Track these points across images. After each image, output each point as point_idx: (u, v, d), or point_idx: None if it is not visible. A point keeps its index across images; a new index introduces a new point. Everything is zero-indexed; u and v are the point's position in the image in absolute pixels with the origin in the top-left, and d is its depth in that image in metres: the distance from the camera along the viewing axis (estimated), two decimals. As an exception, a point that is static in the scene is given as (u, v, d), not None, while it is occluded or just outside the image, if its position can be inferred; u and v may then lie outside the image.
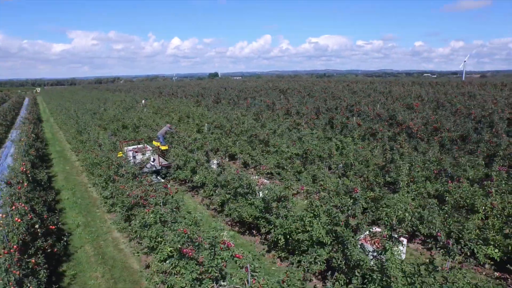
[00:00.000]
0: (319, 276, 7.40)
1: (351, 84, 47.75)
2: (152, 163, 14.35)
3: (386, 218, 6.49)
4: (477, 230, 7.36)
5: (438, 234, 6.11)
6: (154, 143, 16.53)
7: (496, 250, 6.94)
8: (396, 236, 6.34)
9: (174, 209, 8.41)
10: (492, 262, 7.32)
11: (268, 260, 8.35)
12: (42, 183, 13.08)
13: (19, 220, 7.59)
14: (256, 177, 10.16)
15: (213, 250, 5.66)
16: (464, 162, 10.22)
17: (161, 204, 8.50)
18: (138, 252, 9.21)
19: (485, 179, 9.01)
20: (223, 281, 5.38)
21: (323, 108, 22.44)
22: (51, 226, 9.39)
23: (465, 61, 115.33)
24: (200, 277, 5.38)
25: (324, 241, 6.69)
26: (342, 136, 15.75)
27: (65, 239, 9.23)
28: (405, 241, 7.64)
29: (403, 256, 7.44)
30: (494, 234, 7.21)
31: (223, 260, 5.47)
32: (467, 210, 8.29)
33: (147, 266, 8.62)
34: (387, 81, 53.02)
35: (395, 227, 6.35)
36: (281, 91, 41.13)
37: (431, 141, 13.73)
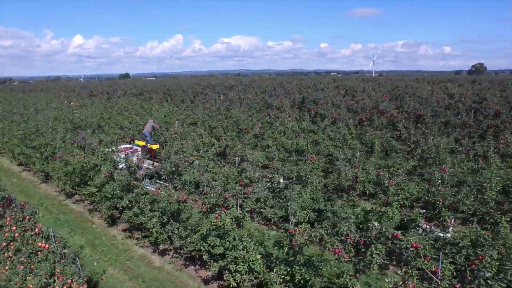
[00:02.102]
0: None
1: (285, 81, 49.21)
2: (147, 166, 12.30)
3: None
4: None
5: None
6: (138, 142, 14.29)
7: None
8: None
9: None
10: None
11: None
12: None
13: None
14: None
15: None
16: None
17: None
18: (180, 267, 7.71)
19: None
20: None
21: (298, 101, 22.47)
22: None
23: (373, 60, 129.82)
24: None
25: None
26: (335, 127, 15.86)
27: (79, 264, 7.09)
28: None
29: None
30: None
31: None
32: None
33: (206, 281, 7.26)
34: (332, 78, 56.17)
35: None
36: (227, 87, 40.41)
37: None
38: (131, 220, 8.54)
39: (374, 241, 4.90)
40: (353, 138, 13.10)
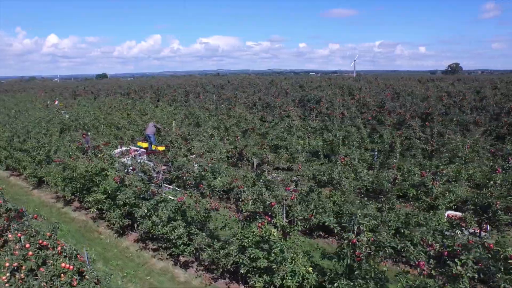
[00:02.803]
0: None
1: (275, 79, 48.76)
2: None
3: None
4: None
5: None
6: (141, 144, 13.32)
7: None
8: None
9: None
10: None
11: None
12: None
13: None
14: None
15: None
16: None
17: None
18: (209, 282, 6.95)
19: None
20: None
21: (297, 99, 21.94)
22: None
23: (355, 60, 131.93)
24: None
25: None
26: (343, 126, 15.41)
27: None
28: None
29: None
30: None
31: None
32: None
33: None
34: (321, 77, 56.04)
35: None
36: (215, 86, 39.55)
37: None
38: (151, 231, 7.67)
39: (461, 252, 4.35)
40: (370, 137, 12.67)
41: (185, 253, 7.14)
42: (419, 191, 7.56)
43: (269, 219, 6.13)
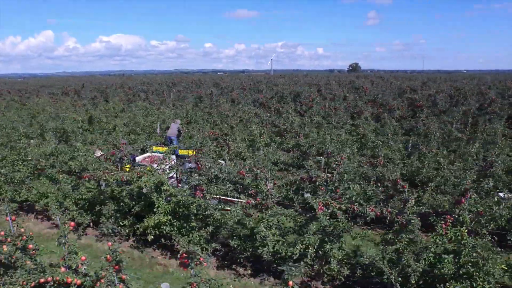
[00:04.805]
0: None
1: (220, 79, 47.60)
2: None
3: None
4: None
5: None
6: (157, 148, 11.07)
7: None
8: None
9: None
10: None
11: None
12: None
13: None
14: None
15: None
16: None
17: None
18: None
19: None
20: None
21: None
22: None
23: (272, 59, 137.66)
24: None
25: None
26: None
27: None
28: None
29: None
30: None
31: None
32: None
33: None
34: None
35: None
36: (167, 85, 36.67)
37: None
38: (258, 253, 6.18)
39: None
40: (396, 130, 12.77)
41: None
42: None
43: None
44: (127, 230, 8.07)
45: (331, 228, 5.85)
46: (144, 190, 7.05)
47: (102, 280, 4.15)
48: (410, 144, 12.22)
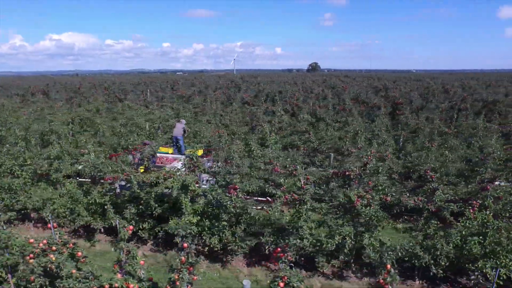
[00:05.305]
0: None
1: (197, 79, 47.04)
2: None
3: None
4: None
5: None
6: (163, 149, 10.79)
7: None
8: None
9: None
10: None
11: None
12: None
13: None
14: None
15: None
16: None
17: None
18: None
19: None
20: None
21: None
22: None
23: (234, 59, 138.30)
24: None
25: None
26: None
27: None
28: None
29: None
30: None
31: None
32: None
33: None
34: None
35: None
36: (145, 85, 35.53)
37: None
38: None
39: None
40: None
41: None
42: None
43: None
44: (147, 234, 7.86)
45: (367, 218, 6.19)
46: (174, 193, 6.91)
47: (178, 283, 4.08)
48: (402, 139, 13.05)
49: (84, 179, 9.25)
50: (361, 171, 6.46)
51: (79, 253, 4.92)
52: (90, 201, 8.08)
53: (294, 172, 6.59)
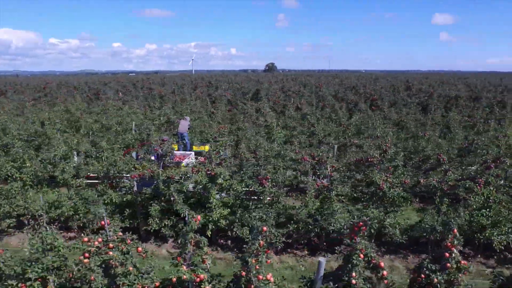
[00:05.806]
0: None
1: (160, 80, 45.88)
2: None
3: None
4: None
5: None
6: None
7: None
8: None
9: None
10: None
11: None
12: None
13: None
14: None
15: None
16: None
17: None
18: None
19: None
20: None
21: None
22: None
23: (193, 59, 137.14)
24: None
25: None
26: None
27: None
28: None
29: None
30: None
31: None
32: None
33: None
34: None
35: None
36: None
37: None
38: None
39: None
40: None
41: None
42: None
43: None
44: (170, 231, 7.79)
45: (390, 200, 6.77)
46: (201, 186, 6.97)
47: (257, 266, 4.25)
48: (391, 131, 14.04)
49: (91, 180, 8.88)
50: (381, 157, 7.05)
51: (139, 248, 4.86)
52: (106, 201, 7.82)
53: (322, 160, 6.98)
